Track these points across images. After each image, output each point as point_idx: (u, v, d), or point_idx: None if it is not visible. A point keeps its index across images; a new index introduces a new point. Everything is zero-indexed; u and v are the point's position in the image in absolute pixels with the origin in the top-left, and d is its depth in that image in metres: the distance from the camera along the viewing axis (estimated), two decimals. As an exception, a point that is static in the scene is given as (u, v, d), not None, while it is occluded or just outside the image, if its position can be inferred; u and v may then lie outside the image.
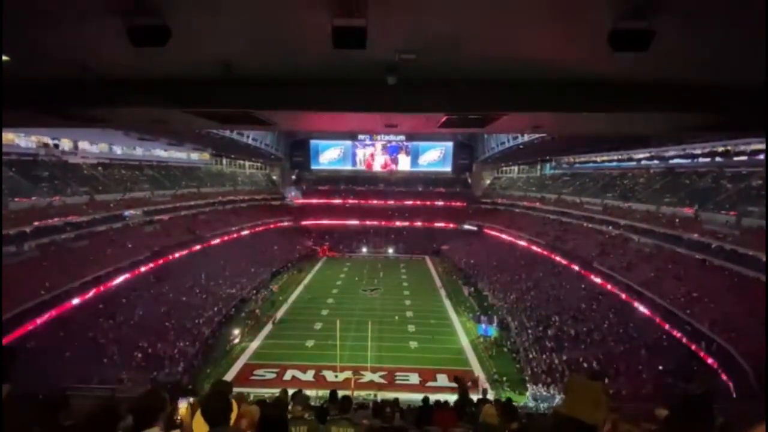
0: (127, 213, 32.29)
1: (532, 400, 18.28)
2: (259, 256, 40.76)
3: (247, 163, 55.45)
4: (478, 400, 8.21)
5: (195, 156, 46.98)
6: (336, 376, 19.78)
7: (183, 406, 3.57)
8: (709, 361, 17.31)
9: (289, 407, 3.75)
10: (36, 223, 23.47)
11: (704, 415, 2.07)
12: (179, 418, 3.18)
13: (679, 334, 19.75)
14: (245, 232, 44.51)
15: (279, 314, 28.95)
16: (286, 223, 52.73)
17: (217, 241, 39.47)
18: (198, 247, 36.38)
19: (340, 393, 5.61)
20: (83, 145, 32.57)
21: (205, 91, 5.27)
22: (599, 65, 4.34)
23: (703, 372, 17.10)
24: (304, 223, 53.78)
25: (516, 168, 54.80)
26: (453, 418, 6.07)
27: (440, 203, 56.02)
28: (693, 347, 18.60)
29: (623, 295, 25.02)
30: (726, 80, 4.57)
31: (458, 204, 55.41)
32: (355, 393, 16.11)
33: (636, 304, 23.56)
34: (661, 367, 18.70)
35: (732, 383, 15.24)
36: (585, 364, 20.20)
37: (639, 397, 16.88)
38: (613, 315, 24.14)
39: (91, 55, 4.31)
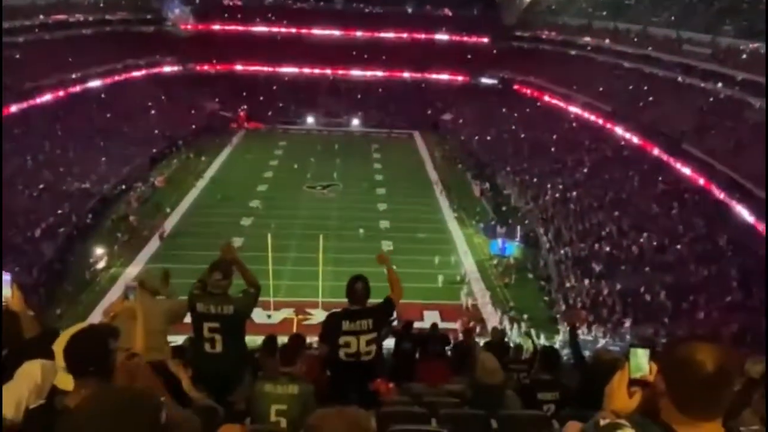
0: None
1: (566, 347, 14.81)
2: (125, 126, 31.00)
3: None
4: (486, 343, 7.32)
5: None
6: (269, 317, 16.21)
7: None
8: None
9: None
10: None
11: None
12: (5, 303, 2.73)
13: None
14: (95, 83, 32.69)
15: (169, 224, 23.23)
16: (167, 68, 38.66)
17: (47, 97, 28.85)
18: (14, 108, 25.91)
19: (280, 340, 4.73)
20: None
21: None
22: None
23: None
24: (201, 68, 39.64)
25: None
26: (444, 371, 5.85)
27: (444, 37, 42.18)
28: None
29: (721, 194, 20.09)
30: None
31: (475, 39, 42.11)
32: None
33: (738, 207, 19.08)
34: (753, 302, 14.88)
35: None
36: (647, 296, 16.40)
37: (720, 339, 13.26)
38: (703, 224, 19.43)
39: None
